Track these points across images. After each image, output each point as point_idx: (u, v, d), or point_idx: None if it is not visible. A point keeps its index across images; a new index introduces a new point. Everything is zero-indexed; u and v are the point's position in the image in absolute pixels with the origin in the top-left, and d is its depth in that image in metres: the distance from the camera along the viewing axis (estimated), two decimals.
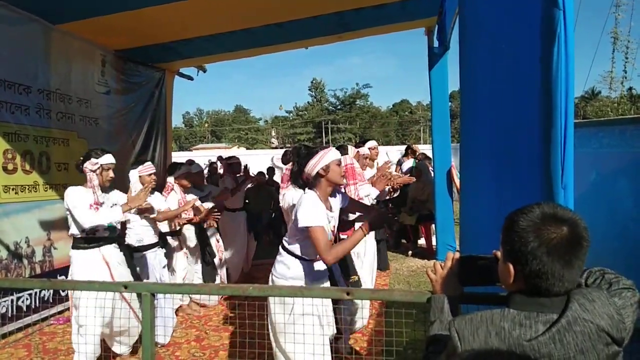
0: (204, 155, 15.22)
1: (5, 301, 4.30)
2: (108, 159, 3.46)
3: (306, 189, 2.64)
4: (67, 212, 3.36)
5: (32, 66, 4.74)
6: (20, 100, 4.58)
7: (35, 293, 4.62)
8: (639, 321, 1.24)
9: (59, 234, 5.01)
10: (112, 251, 3.50)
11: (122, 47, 5.96)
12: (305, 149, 2.68)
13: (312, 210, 2.46)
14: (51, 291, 4.75)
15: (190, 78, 7.95)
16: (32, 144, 4.71)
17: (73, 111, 5.32)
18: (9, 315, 4.29)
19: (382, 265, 6.21)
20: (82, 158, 3.47)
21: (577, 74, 1.63)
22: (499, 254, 1.28)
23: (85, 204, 3.30)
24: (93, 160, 3.39)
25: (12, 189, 4.46)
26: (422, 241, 7.91)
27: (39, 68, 4.82)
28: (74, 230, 3.37)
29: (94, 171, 3.39)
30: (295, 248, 2.65)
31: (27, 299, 4.53)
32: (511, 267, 1.16)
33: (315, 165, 2.56)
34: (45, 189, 4.85)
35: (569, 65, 1.54)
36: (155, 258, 4.16)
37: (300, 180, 2.67)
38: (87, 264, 3.35)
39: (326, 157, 2.56)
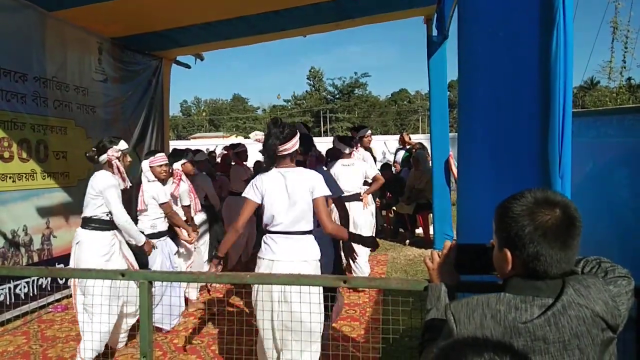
0: (202, 144, 15.20)
1: (2, 289, 4.31)
2: (124, 144, 3.61)
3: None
4: (93, 195, 3.40)
5: (28, 54, 4.70)
6: (17, 88, 4.55)
7: (33, 281, 4.64)
8: (634, 309, 1.26)
9: (59, 222, 5.02)
10: (119, 234, 3.61)
11: (119, 34, 5.91)
12: (280, 122, 2.73)
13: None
14: (49, 279, 4.77)
15: (187, 66, 7.89)
16: (29, 132, 4.69)
17: (70, 99, 5.29)
18: (7, 302, 4.30)
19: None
20: (94, 149, 3.54)
21: (576, 63, 1.62)
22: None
23: (119, 199, 3.44)
24: (115, 147, 3.51)
25: (9, 177, 4.45)
26: (419, 230, 7.94)
27: (34, 56, 4.78)
28: (93, 212, 3.41)
29: (118, 158, 3.53)
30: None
31: (24, 287, 4.54)
32: (508, 253, 1.17)
33: (296, 143, 2.73)
34: (43, 177, 4.85)
35: (568, 54, 1.53)
36: (167, 246, 4.15)
37: (266, 152, 2.72)
38: (103, 245, 3.43)
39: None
